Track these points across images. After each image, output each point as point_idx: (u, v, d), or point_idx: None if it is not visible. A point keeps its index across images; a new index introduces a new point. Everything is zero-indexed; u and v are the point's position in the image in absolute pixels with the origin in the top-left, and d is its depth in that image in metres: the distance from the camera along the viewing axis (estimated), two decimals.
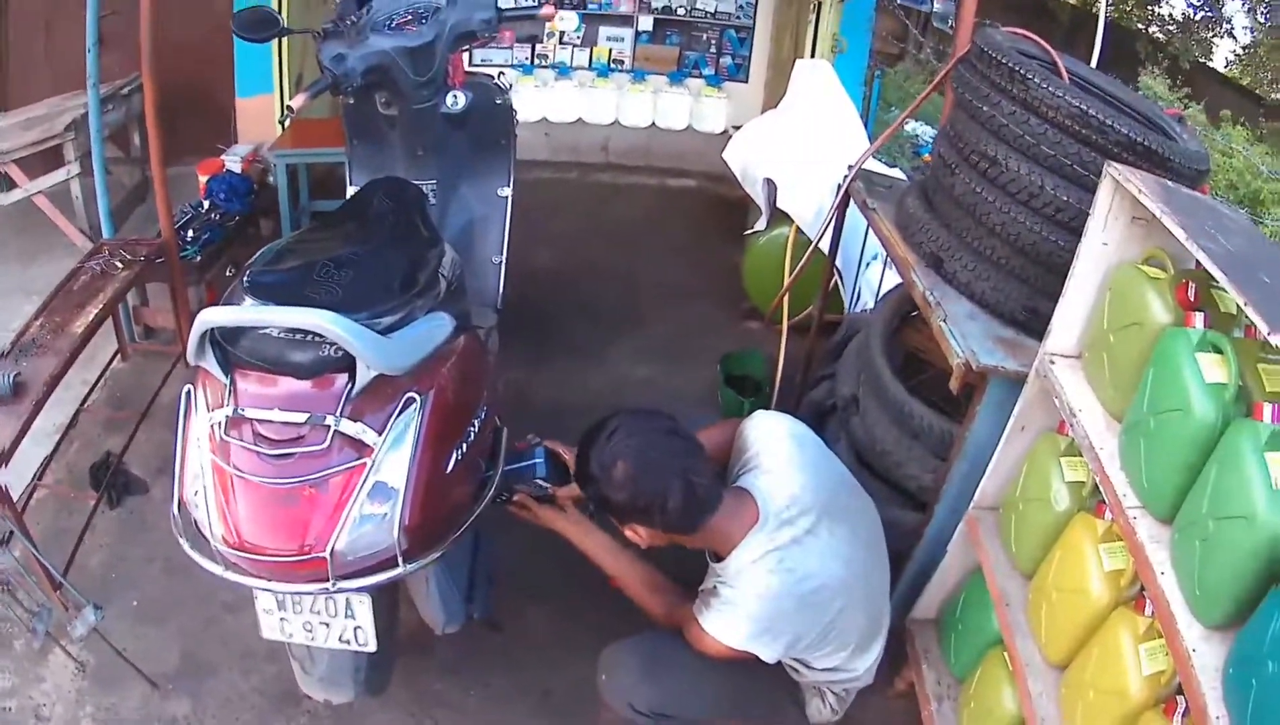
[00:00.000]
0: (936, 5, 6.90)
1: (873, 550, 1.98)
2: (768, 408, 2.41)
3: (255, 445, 1.56)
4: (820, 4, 4.48)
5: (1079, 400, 1.81)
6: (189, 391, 1.64)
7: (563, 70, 5.15)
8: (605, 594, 1.99)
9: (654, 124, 5.26)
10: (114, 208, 3.35)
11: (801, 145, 3.72)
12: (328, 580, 1.58)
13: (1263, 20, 11.41)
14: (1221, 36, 12.03)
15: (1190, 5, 11.67)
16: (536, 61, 5.16)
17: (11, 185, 3.80)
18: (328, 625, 1.78)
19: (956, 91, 2.24)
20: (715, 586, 1.81)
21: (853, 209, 2.79)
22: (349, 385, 1.59)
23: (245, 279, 1.68)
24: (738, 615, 1.76)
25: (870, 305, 3.24)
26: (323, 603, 1.75)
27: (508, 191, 2.72)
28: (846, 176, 2.79)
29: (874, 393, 2.48)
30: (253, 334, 1.58)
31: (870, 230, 2.71)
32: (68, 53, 3.00)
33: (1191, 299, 1.61)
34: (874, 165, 3.47)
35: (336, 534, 1.55)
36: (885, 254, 2.64)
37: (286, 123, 3.86)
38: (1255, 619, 1.29)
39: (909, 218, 2.42)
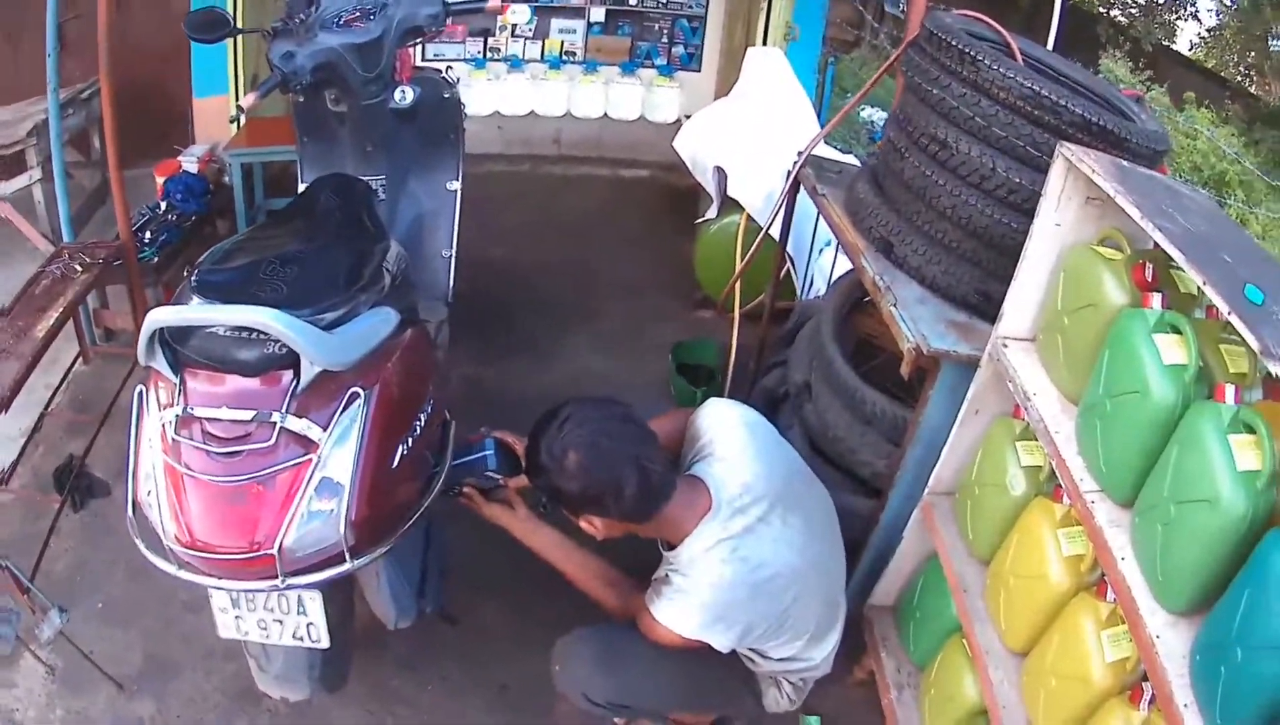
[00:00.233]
0: None
1: (827, 538, 1.96)
2: (720, 396, 2.38)
3: (204, 444, 1.58)
4: None
5: (1033, 384, 1.80)
6: (141, 392, 1.65)
7: (515, 63, 5.11)
8: (559, 586, 1.97)
9: (606, 115, 5.23)
10: (75, 211, 3.35)
11: (752, 133, 3.70)
12: (277, 577, 1.59)
13: (1228, 2, 11.39)
14: (1185, 19, 12.05)
15: None
16: (489, 55, 5.13)
17: None
18: (281, 622, 1.79)
19: (906, 75, 2.21)
20: (667, 575, 1.78)
21: (803, 196, 2.77)
22: (294, 382, 1.59)
23: (193, 278, 1.70)
24: (690, 604, 1.73)
25: (822, 292, 3.23)
26: (275, 600, 1.76)
27: (457, 186, 2.72)
28: (796, 163, 2.76)
29: (826, 379, 2.46)
30: (201, 333, 1.60)
31: (821, 217, 2.69)
32: (35, 57, 2.98)
33: (1149, 279, 1.58)
34: (828, 152, 3.46)
35: (284, 530, 1.56)
36: (837, 240, 2.61)
37: (240, 122, 3.86)
38: (1222, 604, 1.27)
39: (859, 203, 2.40)
